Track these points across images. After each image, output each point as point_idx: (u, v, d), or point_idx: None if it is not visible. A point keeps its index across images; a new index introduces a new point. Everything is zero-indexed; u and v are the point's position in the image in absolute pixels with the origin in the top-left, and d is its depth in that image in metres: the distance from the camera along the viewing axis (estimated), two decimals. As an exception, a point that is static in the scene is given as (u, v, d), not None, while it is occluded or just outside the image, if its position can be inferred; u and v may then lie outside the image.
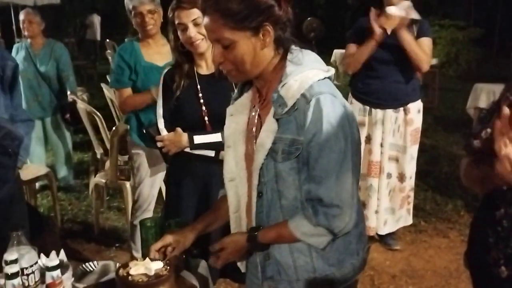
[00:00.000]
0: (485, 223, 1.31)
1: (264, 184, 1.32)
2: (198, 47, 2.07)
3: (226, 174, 1.45)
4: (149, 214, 2.96)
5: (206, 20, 1.27)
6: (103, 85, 4.74)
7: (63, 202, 4.22)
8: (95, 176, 3.73)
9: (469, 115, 5.71)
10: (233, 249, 1.40)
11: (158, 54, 2.77)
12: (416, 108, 3.23)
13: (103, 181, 3.54)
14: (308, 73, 1.28)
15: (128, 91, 2.77)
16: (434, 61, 8.27)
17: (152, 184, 2.95)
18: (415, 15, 3.01)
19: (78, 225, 3.86)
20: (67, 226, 3.82)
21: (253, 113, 1.40)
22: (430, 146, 5.77)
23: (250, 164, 1.37)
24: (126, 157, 3.54)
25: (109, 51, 8.75)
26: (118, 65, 2.76)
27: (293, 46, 1.33)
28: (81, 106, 3.96)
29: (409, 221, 3.44)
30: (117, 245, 3.46)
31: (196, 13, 2.01)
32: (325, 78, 1.30)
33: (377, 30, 2.98)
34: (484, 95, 5.33)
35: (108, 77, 5.51)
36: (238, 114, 1.44)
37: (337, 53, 9.26)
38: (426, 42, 3.09)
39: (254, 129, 1.38)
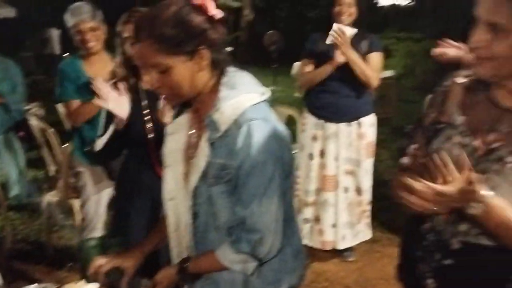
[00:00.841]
0: (412, 237, 1.35)
1: (199, 206, 1.34)
2: None
3: (166, 194, 1.46)
4: (96, 233, 2.91)
5: (140, 46, 1.26)
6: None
7: (15, 221, 4.11)
8: (48, 194, 3.65)
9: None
10: (167, 283, 1.40)
11: (102, 70, 2.72)
12: (369, 122, 3.29)
13: (56, 199, 3.47)
14: (242, 97, 1.29)
15: (76, 102, 2.75)
16: (391, 73, 8.50)
17: (97, 202, 2.91)
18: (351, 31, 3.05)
19: (30, 245, 3.76)
20: (19, 246, 3.72)
21: (191, 134, 1.41)
22: (388, 156, 5.89)
23: (188, 184, 1.38)
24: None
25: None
26: (60, 80, 2.76)
27: (228, 68, 1.34)
28: (34, 122, 3.88)
29: (369, 235, 3.48)
30: (70, 264, 3.38)
31: None
32: (260, 102, 1.32)
33: (339, 58, 3.03)
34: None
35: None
36: (177, 133, 1.45)
37: (297, 66, 9.38)
38: (375, 57, 3.17)
39: (192, 150, 1.39)
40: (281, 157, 1.30)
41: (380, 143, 6.10)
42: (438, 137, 1.30)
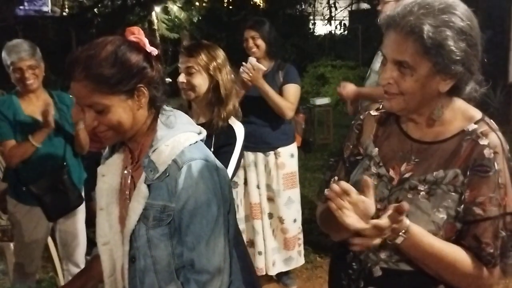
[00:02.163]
0: (338, 266, 1.39)
1: (137, 249, 1.30)
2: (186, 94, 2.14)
3: (99, 238, 1.41)
4: (31, 277, 2.79)
5: (75, 86, 1.23)
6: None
7: None
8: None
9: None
10: None
11: (38, 108, 2.70)
12: (288, 152, 3.31)
13: (-17, 243, 3.29)
14: (179, 137, 1.29)
15: (12, 142, 2.67)
16: (327, 100, 8.76)
17: (33, 244, 2.80)
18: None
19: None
20: None
21: (126, 175, 1.38)
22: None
23: (124, 227, 1.34)
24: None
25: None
26: None
27: (165, 107, 1.34)
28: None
29: (301, 261, 3.50)
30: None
31: (191, 61, 2.09)
32: (197, 141, 1.32)
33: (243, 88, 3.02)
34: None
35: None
36: (110, 174, 1.41)
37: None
38: (291, 89, 3.22)
39: (127, 192, 1.36)
40: (223, 194, 1.30)
41: (320, 168, 6.27)
42: (357, 168, 1.36)
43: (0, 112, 2.66)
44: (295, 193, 3.39)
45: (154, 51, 1.31)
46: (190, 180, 1.24)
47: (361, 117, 1.42)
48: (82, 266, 2.96)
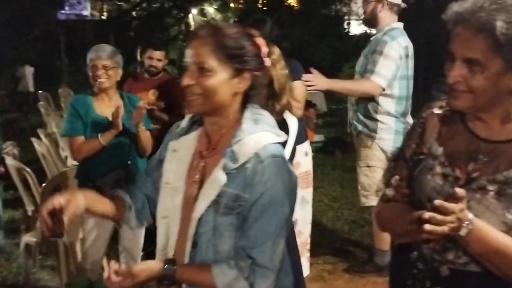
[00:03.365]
0: (401, 266, 1.37)
1: (201, 234, 1.32)
2: None
3: (160, 210, 1.43)
4: (94, 271, 2.89)
5: (196, 42, 1.30)
6: (33, 139, 4.61)
7: (-8, 264, 4.00)
8: (26, 235, 3.57)
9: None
10: (146, 278, 1.34)
11: (108, 107, 2.84)
12: (302, 151, 3.16)
13: (34, 239, 3.39)
14: (263, 134, 1.32)
15: (81, 138, 2.82)
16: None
17: (99, 238, 2.91)
18: None
19: (8, 289, 3.65)
20: (-4, 290, 3.61)
21: (198, 157, 1.40)
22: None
23: (187, 207, 1.36)
24: (58, 214, 3.45)
25: (41, 102, 8.53)
26: (70, 115, 2.85)
27: (254, 106, 1.38)
28: (10, 162, 3.83)
29: (306, 271, 3.25)
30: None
31: None
32: (278, 142, 1.34)
33: None
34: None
35: (39, 131, 5.37)
36: (182, 151, 1.43)
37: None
38: (297, 86, 3.18)
39: (197, 175, 1.38)
40: (294, 196, 1.33)
41: (347, 168, 6.13)
42: (420, 168, 1.34)
43: (74, 109, 2.83)
44: (309, 193, 3.25)
45: (267, 60, 1.38)
46: (269, 175, 1.26)
47: (423, 115, 1.40)
48: (138, 259, 3.05)
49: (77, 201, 1.37)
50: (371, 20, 3.48)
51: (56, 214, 1.33)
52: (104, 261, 2.92)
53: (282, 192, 1.28)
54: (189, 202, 1.37)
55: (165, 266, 1.33)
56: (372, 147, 3.41)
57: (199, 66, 1.29)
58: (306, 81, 3.09)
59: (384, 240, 3.45)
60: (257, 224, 1.27)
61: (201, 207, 1.31)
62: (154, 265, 1.36)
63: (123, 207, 1.52)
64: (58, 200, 1.34)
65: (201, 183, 1.36)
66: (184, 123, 1.47)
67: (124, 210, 1.52)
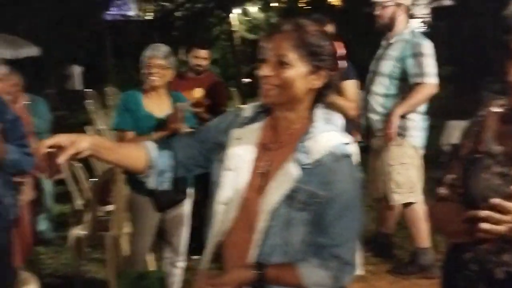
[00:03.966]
0: (453, 267, 1.34)
1: (271, 227, 1.33)
2: None
3: (220, 197, 1.42)
4: (141, 264, 2.96)
5: (278, 36, 1.34)
6: (83, 136, 4.75)
7: (43, 256, 4.14)
8: (75, 228, 3.69)
9: (443, 151, 5.84)
10: (236, 285, 1.35)
11: (157, 105, 2.91)
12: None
13: (83, 232, 3.51)
14: (336, 133, 1.35)
15: (129, 134, 2.89)
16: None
17: (145, 231, 2.97)
18: None
19: (58, 279, 3.78)
20: (47, 280, 3.74)
21: (263, 149, 1.41)
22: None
23: (251, 197, 1.37)
24: (106, 208, 3.56)
25: (89, 101, 8.79)
26: (120, 110, 2.94)
27: (324, 106, 1.41)
28: (60, 158, 3.96)
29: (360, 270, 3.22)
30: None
31: None
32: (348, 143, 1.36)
33: None
34: (457, 132, 5.49)
35: (87, 128, 5.54)
36: (245, 140, 1.42)
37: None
38: (350, 86, 3.14)
39: (262, 165, 1.39)
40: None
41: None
42: (476, 167, 1.30)
43: (125, 104, 2.91)
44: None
45: (343, 62, 1.40)
46: (346, 174, 1.31)
47: (482, 113, 1.36)
48: (181, 256, 3.09)
49: (80, 143, 1.30)
50: (388, 25, 3.53)
51: (55, 153, 1.26)
52: (149, 256, 3.00)
53: (357, 191, 1.34)
54: (253, 193, 1.38)
55: (256, 271, 1.33)
56: (404, 145, 3.46)
57: (279, 59, 1.32)
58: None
59: (424, 237, 3.48)
60: (339, 222, 1.31)
61: (272, 200, 1.33)
62: (243, 273, 1.35)
63: (143, 162, 1.46)
64: (60, 140, 1.28)
65: (267, 175, 1.37)
66: (247, 112, 1.48)
67: (144, 166, 1.46)
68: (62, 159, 1.25)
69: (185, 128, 2.86)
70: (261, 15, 12.37)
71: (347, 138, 1.37)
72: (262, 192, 1.36)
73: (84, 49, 14.22)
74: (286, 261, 1.34)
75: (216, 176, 1.45)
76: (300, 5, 14.19)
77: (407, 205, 3.52)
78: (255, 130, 1.44)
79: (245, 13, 12.42)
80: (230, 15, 12.33)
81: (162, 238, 3.11)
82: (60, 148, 1.26)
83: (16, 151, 2.11)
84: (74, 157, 1.30)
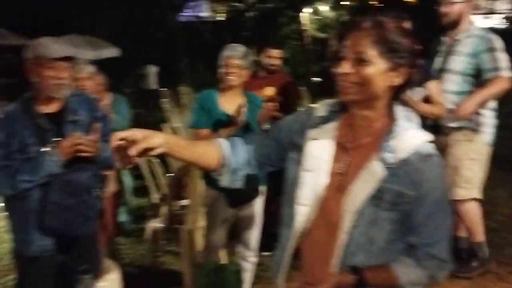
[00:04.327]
0: None
1: (356, 227, 1.33)
2: None
3: (301, 199, 1.41)
4: (215, 257, 3.07)
5: (358, 34, 1.32)
6: (159, 133, 4.96)
7: (123, 246, 4.38)
8: (152, 221, 3.88)
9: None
10: None
11: (232, 104, 2.99)
12: None
13: (160, 225, 3.67)
14: (418, 131, 1.35)
15: (205, 131, 2.99)
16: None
17: (219, 226, 3.07)
18: None
19: (136, 269, 3.97)
20: (126, 270, 3.94)
21: (340, 149, 1.40)
22: (488, 186, 5.59)
23: (331, 197, 1.37)
24: (181, 202, 3.71)
25: (164, 99, 9.13)
26: (197, 108, 3.05)
27: (399, 102, 1.40)
28: (139, 154, 4.16)
29: None
30: (173, 290, 3.54)
31: None
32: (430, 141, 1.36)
33: None
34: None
35: (164, 126, 5.77)
36: (322, 140, 1.42)
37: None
38: (434, 86, 3.10)
39: (342, 167, 1.38)
40: None
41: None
42: None
43: (201, 103, 3.02)
44: None
45: (420, 60, 1.38)
46: (435, 173, 1.30)
47: None
48: (253, 251, 3.18)
49: (152, 139, 1.32)
50: (455, 22, 3.47)
51: (127, 146, 1.29)
52: (222, 250, 3.08)
53: (445, 189, 1.33)
54: (332, 193, 1.38)
55: (354, 275, 1.34)
56: (475, 141, 3.44)
57: (358, 56, 1.30)
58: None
59: (479, 231, 3.51)
60: (431, 221, 1.32)
61: (357, 199, 1.32)
62: (341, 278, 1.35)
63: (217, 161, 1.48)
64: (133, 134, 1.30)
65: (346, 175, 1.37)
66: (320, 111, 1.47)
67: (218, 164, 1.48)
68: (133, 151, 1.28)
69: (243, 123, 2.90)
70: (331, 14, 12.26)
71: (429, 136, 1.35)
72: (344, 192, 1.35)
73: (159, 50, 14.78)
74: (370, 259, 1.34)
75: (292, 176, 1.46)
76: (371, 3, 13.92)
77: (466, 200, 3.48)
78: (331, 129, 1.43)
79: (315, 12, 12.36)
80: (301, 14, 12.32)
81: (235, 234, 3.21)
82: (133, 142, 1.29)
83: (105, 148, 2.25)
84: (147, 153, 1.32)
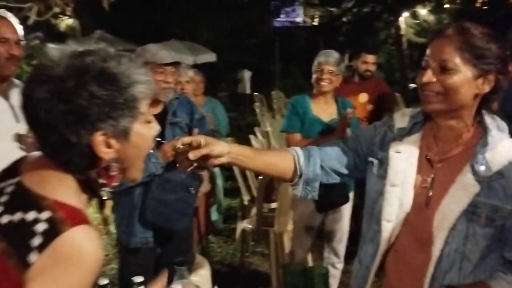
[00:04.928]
0: None
1: (448, 244, 1.28)
2: None
3: (386, 215, 1.38)
4: (303, 260, 3.12)
5: (442, 40, 1.27)
6: (251, 136, 5.09)
7: (213, 244, 4.54)
8: (242, 222, 3.99)
9: None
10: None
11: (324, 110, 3.04)
12: None
13: (249, 226, 3.76)
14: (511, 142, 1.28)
15: (297, 135, 3.05)
16: None
17: (307, 229, 3.10)
18: None
19: (225, 267, 4.10)
20: (215, 267, 4.08)
21: (425, 162, 1.36)
22: None
23: (419, 211, 1.33)
24: (270, 205, 3.77)
25: (257, 103, 9.31)
26: (290, 113, 3.11)
27: (486, 111, 1.33)
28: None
29: None
30: (260, 289, 3.62)
31: None
32: None
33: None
34: None
35: (255, 129, 5.91)
36: (406, 153, 1.38)
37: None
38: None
39: (429, 180, 1.34)
40: None
41: None
42: None
43: (294, 108, 3.07)
44: None
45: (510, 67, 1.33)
46: None
47: None
48: (341, 257, 3.17)
49: (214, 147, 1.31)
50: None
51: (188, 150, 1.29)
52: (309, 254, 3.08)
53: None
54: (420, 208, 1.34)
55: None
56: None
57: (442, 64, 1.26)
58: None
59: None
60: None
61: (450, 216, 1.27)
62: None
63: (292, 170, 1.46)
64: (197, 139, 1.30)
65: (433, 189, 1.32)
66: (403, 123, 1.42)
67: (293, 174, 1.47)
68: (191, 156, 1.27)
69: (349, 134, 2.91)
70: (431, 18, 11.78)
71: None
72: (432, 207, 1.31)
73: (254, 54, 15.10)
74: (461, 277, 1.28)
75: (374, 190, 1.43)
76: (476, 6, 13.19)
77: None
78: (414, 141, 1.38)
79: (414, 15, 11.95)
80: (399, 18, 11.98)
81: (323, 239, 3.21)
82: (196, 147, 1.28)
83: None
84: (208, 160, 1.31)
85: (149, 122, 1.02)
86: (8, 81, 2.19)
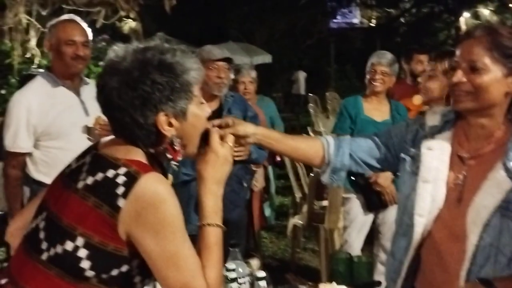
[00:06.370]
0: None
1: (483, 239, 1.30)
2: None
3: (419, 210, 1.40)
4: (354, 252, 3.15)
5: (471, 41, 1.31)
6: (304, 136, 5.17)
7: (265, 239, 4.66)
8: (293, 218, 4.08)
9: None
10: None
11: (377, 110, 3.07)
12: None
13: (300, 223, 3.85)
14: None
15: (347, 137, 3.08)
16: None
17: (359, 229, 3.15)
18: None
19: (276, 262, 4.21)
20: (266, 261, 4.19)
21: (457, 160, 1.39)
22: None
23: (451, 207, 1.37)
24: (321, 202, 3.84)
25: (311, 104, 9.36)
26: (340, 114, 3.17)
27: None
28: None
29: None
30: (309, 283, 3.68)
31: None
32: None
33: None
34: None
35: (308, 129, 5.98)
36: (438, 150, 1.41)
37: None
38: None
39: (461, 177, 1.37)
40: None
41: None
42: None
43: (345, 109, 3.12)
44: None
45: None
46: None
47: None
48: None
49: (240, 127, 1.37)
50: None
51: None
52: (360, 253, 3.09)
53: None
54: (452, 204, 1.37)
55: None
56: None
57: (471, 64, 1.29)
58: None
59: None
60: None
61: (484, 212, 1.29)
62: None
63: (320, 157, 1.51)
64: (225, 120, 1.37)
65: (465, 186, 1.35)
66: (435, 121, 1.46)
67: (321, 161, 1.51)
68: (211, 124, 1.29)
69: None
70: (494, 17, 11.39)
71: None
72: (465, 204, 1.33)
73: (309, 56, 15.13)
74: (496, 271, 1.29)
75: (407, 187, 1.46)
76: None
77: None
78: (446, 139, 1.41)
79: (476, 16, 11.60)
80: (459, 18, 11.66)
81: (374, 238, 3.24)
82: (223, 128, 1.34)
83: (254, 148, 2.47)
84: (236, 140, 1.33)
85: (202, 103, 1.21)
86: (78, 79, 2.40)
